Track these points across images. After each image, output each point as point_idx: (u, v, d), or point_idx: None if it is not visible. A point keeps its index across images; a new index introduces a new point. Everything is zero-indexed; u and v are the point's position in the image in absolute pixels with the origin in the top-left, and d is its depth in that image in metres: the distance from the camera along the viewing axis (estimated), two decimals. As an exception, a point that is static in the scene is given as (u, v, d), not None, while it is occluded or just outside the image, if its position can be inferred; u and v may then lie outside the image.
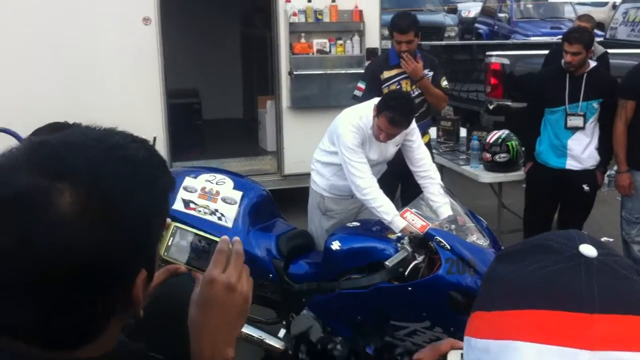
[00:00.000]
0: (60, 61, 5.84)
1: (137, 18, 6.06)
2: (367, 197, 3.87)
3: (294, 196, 6.24)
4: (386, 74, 5.10)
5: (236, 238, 1.20)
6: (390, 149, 4.15)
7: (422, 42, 9.12)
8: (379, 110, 3.88)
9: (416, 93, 5.10)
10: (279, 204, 5.55)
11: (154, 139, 6.06)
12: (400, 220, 3.67)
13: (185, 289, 1.24)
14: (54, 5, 5.80)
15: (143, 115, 6.13)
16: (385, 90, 5.08)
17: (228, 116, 9.00)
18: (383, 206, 3.80)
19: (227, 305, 1.13)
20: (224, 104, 9.04)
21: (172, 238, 1.24)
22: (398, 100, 3.88)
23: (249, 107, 8.65)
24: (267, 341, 3.94)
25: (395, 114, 3.82)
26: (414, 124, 4.15)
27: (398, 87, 5.07)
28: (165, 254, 1.23)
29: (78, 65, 5.90)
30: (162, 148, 6.17)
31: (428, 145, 5.26)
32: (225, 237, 1.19)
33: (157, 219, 0.99)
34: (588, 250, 0.82)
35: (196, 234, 1.24)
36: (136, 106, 6.12)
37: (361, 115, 3.99)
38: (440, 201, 3.96)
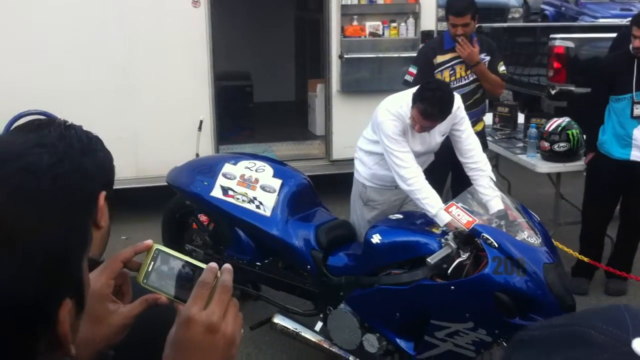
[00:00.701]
0: (109, 46, 5.80)
1: (186, 0, 5.96)
2: (411, 187, 3.66)
3: (341, 182, 6.06)
4: (440, 59, 4.86)
5: (226, 266, 1.02)
6: (436, 138, 3.91)
7: (484, 24, 8.83)
8: (413, 100, 3.65)
9: (471, 79, 4.84)
10: (325, 189, 5.44)
11: (201, 122, 6.00)
12: (445, 214, 3.45)
13: (167, 322, 1.09)
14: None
15: (191, 98, 6.06)
16: (439, 76, 4.85)
17: (280, 99, 8.88)
18: (428, 198, 3.58)
19: (205, 349, 0.96)
20: (277, 86, 8.92)
21: (152, 263, 1.08)
22: (434, 92, 3.61)
23: (301, 91, 8.49)
24: (303, 334, 3.82)
25: (428, 106, 3.58)
26: (462, 113, 3.90)
27: (452, 72, 4.83)
28: (144, 281, 1.07)
29: (126, 48, 5.85)
30: (208, 131, 6.09)
31: (482, 133, 5.01)
32: (212, 265, 1.02)
33: (75, 235, 0.82)
34: None
35: (180, 259, 1.08)
36: (184, 89, 6.04)
37: (402, 103, 3.76)
38: (490, 194, 3.71)
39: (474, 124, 4.92)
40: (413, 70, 4.97)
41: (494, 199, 3.67)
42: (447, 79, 4.82)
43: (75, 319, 0.83)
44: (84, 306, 0.86)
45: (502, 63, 4.99)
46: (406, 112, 3.73)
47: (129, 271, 1.12)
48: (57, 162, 0.83)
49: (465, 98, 4.71)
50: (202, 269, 1.02)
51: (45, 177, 0.79)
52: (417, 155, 3.92)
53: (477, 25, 7.50)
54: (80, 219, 0.82)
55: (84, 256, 0.85)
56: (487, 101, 5.15)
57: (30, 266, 0.73)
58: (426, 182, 3.69)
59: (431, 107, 3.59)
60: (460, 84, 4.84)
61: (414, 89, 3.78)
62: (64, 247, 0.79)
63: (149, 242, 1.10)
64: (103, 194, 1.36)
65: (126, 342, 1.10)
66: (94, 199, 1.34)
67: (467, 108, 4.82)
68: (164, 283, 1.07)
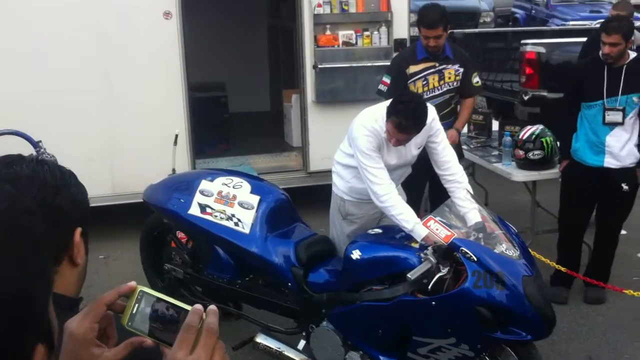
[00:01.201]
0: (82, 60, 5.73)
1: (158, 12, 5.91)
2: (384, 204, 3.66)
3: (319, 193, 6.06)
4: (412, 69, 4.89)
5: (211, 308, 1.01)
6: (412, 151, 3.92)
7: (456, 30, 8.88)
8: (387, 114, 3.65)
9: (444, 89, 4.89)
10: (303, 202, 5.43)
11: (176, 136, 5.95)
12: (422, 228, 3.45)
13: None
14: (75, 2, 5.68)
15: (165, 111, 6.01)
16: (411, 86, 4.87)
17: (255, 109, 8.84)
18: (402, 214, 3.58)
19: None
20: (251, 96, 8.88)
21: (137, 305, 1.06)
22: (407, 105, 3.62)
23: (276, 101, 8.48)
24: (286, 353, 3.79)
25: (402, 119, 3.58)
26: (437, 125, 3.91)
27: (425, 82, 4.85)
28: (129, 323, 1.06)
29: (98, 61, 5.79)
30: (184, 145, 6.04)
31: (458, 142, 5.05)
32: (197, 307, 1.01)
33: (37, 279, 0.81)
34: None
35: (165, 301, 1.07)
36: (158, 102, 6.00)
37: (377, 117, 3.76)
38: (467, 207, 3.73)
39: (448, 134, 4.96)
40: (387, 79, 5.00)
41: (472, 211, 3.69)
42: (420, 89, 4.85)
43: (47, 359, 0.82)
44: (54, 347, 0.85)
45: (475, 74, 5.05)
46: (381, 126, 3.73)
47: (112, 313, 1.11)
48: (11, 205, 0.82)
49: (439, 108, 4.75)
50: (187, 310, 1.01)
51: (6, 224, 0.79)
52: (394, 168, 3.92)
53: (449, 32, 7.57)
54: (42, 263, 0.81)
55: (49, 298, 0.84)
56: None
57: None
58: (399, 197, 3.70)
59: (405, 119, 3.59)
60: (434, 94, 4.88)
61: (388, 102, 3.78)
62: (26, 294, 0.78)
63: (133, 284, 1.09)
64: (79, 230, 1.33)
65: None
66: (68, 236, 1.32)
67: (442, 118, 4.85)
68: (148, 325, 1.06)
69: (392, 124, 3.62)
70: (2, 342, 0.75)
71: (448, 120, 4.88)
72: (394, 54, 5.98)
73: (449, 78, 4.90)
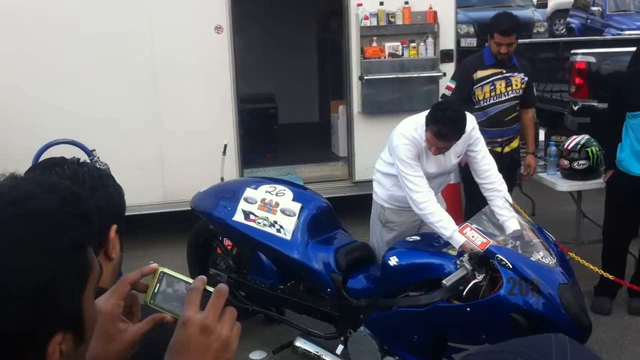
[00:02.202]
0: (135, 72, 5.96)
1: (209, 27, 6.11)
2: (424, 211, 3.72)
3: (364, 203, 6.12)
4: (480, 74, 4.96)
5: (221, 284, 1.12)
6: (451, 160, 3.96)
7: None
8: (426, 123, 3.71)
9: (510, 95, 4.98)
10: (348, 211, 5.51)
11: (225, 146, 6.11)
12: (460, 236, 3.50)
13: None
14: (129, 17, 5.92)
15: (215, 122, 6.20)
16: (478, 91, 4.94)
17: (305, 120, 8.98)
18: (441, 221, 3.63)
19: (200, 349, 1.04)
20: (301, 108, 9.03)
21: (158, 285, 1.18)
22: (444, 112, 3.68)
23: (324, 112, 8.59)
24: (324, 357, 3.87)
25: (441, 126, 3.63)
26: (477, 134, 3.95)
27: (492, 87, 4.93)
28: (152, 301, 1.17)
29: (152, 74, 6.01)
30: (233, 155, 6.19)
31: (517, 149, 5.17)
32: (202, 277, 1.11)
33: (65, 276, 0.90)
34: None
35: (184, 281, 1.18)
36: (209, 113, 6.19)
37: (416, 126, 3.83)
38: (506, 215, 3.75)
39: (511, 140, 5.07)
40: (452, 84, 5.08)
41: (510, 220, 3.71)
42: (487, 94, 4.94)
43: (75, 348, 0.92)
44: (85, 338, 0.95)
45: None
46: (420, 135, 3.79)
47: (137, 292, 1.22)
48: (63, 206, 0.93)
49: (504, 114, 4.84)
50: (207, 288, 1.10)
51: (45, 221, 0.89)
52: (434, 176, 3.98)
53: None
54: (70, 261, 0.91)
55: (83, 289, 0.94)
56: None
57: (8, 300, 0.82)
58: (438, 205, 3.75)
59: (444, 127, 3.65)
60: (500, 99, 4.95)
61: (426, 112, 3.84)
62: (48, 283, 0.87)
63: (155, 265, 1.19)
64: (114, 227, 1.46)
65: (135, 358, 1.20)
66: (104, 232, 1.44)
67: (506, 124, 4.97)
68: (169, 303, 1.15)
69: (432, 132, 3.68)
70: (16, 326, 0.84)
71: (513, 125, 5.03)
72: (460, 61, 5.99)
73: (516, 85, 4.97)
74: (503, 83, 4.93)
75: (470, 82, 4.95)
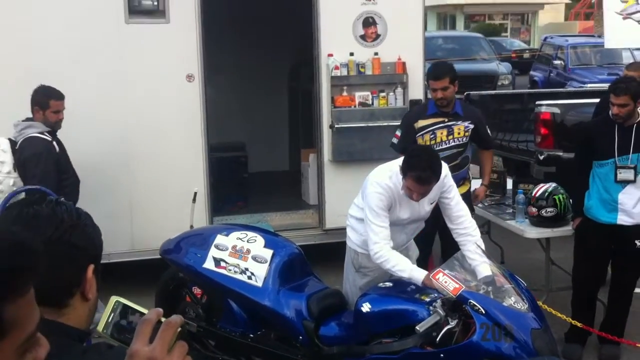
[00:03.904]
0: (105, 117, 5.93)
1: (181, 75, 6.13)
2: (379, 260, 3.78)
3: (335, 251, 6.12)
4: (421, 123, 5.07)
5: (175, 315, 1.10)
6: (425, 207, 3.99)
7: (472, 92, 9.06)
8: (403, 172, 3.75)
9: (451, 144, 5.04)
10: (318, 258, 5.49)
11: (195, 193, 6.08)
12: (419, 271, 3.55)
13: None
14: (101, 64, 5.92)
15: (186, 169, 6.16)
16: (419, 139, 5.01)
17: (275, 169, 8.99)
18: (398, 265, 3.68)
19: None
20: (271, 156, 9.05)
21: (112, 314, 1.16)
22: (419, 158, 3.74)
23: (295, 160, 8.63)
24: (296, 407, 3.79)
25: (420, 172, 3.68)
26: (450, 181, 3.99)
27: (432, 136, 5.01)
28: (104, 331, 1.15)
29: (124, 121, 5.98)
30: (202, 203, 6.16)
31: (467, 195, 5.13)
32: (157, 309, 1.09)
33: None
34: None
35: (138, 311, 1.16)
36: (179, 161, 6.15)
37: (391, 174, 3.86)
38: (477, 260, 3.78)
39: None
40: (398, 133, 5.22)
41: (482, 265, 3.73)
42: (427, 142, 5.03)
43: None
44: None
45: (487, 128, 5.26)
46: (395, 183, 3.82)
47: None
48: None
49: (445, 162, 4.87)
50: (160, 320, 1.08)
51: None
52: (407, 222, 4.00)
53: (466, 93, 7.75)
54: None
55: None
56: (469, 166, 5.30)
57: None
58: (392, 250, 3.77)
59: (423, 171, 3.69)
60: (441, 147, 5.01)
61: (401, 159, 3.88)
62: None
63: (112, 297, 1.18)
64: (91, 267, 1.43)
65: None
66: (81, 272, 1.42)
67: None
68: (121, 334, 1.15)
69: (412, 179, 3.70)
70: None
71: (455, 172, 5.00)
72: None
73: (458, 134, 5.04)
74: (445, 132, 5.02)
75: (413, 131, 5.08)
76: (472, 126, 5.06)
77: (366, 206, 3.85)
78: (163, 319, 1.07)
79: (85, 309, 1.43)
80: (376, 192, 3.82)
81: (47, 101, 5.00)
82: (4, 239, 0.94)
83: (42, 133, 4.96)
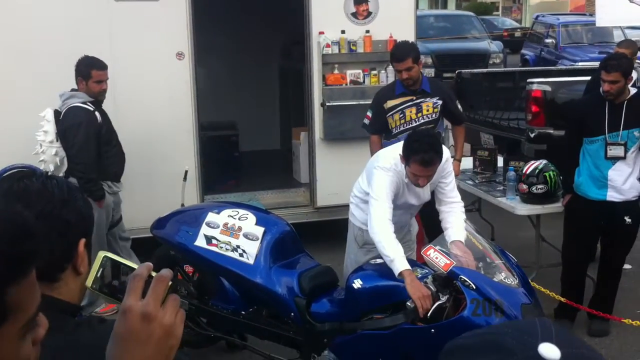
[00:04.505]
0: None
1: (171, 53, 6.09)
2: (375, 237, 3.72)
3: (326, 229, 6.13)
4: (390, 103, 5.11)
5: (165, 269, 1.09)
6: (427, 190, 4.02)
7: (464, 70, 9.06)
8: (406, 157, 3.74)
9: (421, 121, 5.08)
10: (310, 237, 5.50)
11: (186, 172, 6.06)
12: (401, 262, 3.48)
13: None
14: (89, 43, 5.86)
15: (176, 148, 6.14)
16: (390, 119, 5.03)
17: (266, 148, 8.98)
18: (387, 248, 3.60)
19: (142, 337, 1.01)
20: (263, 135, 9.03)
21: (101, 269, 1.15)
22: (420, 142, 3.73)
23: (286, 139, 8.62)
24: (288, 382, 3.82)
25: (423, 154, 3.67)
26: (450, 166, 4.00)
27: (402, 115, 5.06)
28: (93, 286, 1.14)
29: (113, 99, 5.93)
30: (193, 181, 6.14)
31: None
32: (147, 263, 1.09)
33: None
34: (548, 351, 0.69)
35: (127, 266, 1.15)
36: (170, 139, 6.13)
37: (395, 161, 3.87)
38: (452, 224, 3.80)
39: None
40: (369, 114, 5.26)
41: (456, 228, 3.76)
42: (397, 122, 5.07)
43: None
44: None
45: (457, 102, 5.27)
46: (400, 170, 3.82)
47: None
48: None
49: None
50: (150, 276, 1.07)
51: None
52: (412, 207, 4.06)
53: (457, 71, 7.74)
54: None
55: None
56: (442, 142, 5.31)
57: None
58: (389, 233, 3.70)
59: (426, 153, 3.68)
60: (410, 126, 5.05)
61: (399, 146, 3.87)
62: None
63: (100, 251, 1.17)
64: (82, 241, 1.43)
65: None
66: (73, 246, 1.41)
67: None
68: (111, 289, 1.13)
69: (417, 163, 3.70)
70: None
71: None
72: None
73: (427, 110, 5.08)
74: (414, 109, 5.05)
75: (383, 111, 5.11)
76: (440, 102, 5.09)
77: (374, 185, 3.84)
78: (153, 274, 1.07)
79: (77, 283, 1.43)
80: (387, 175, 3.82)
81: (89, 71, 5.02)
82: (8, 220, 0.94)
83: (84, 103, 4.98)
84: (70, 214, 1.42)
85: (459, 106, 5.39)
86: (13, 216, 0.96)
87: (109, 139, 5.17)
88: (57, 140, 4.99)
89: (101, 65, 5.09)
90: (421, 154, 3.67)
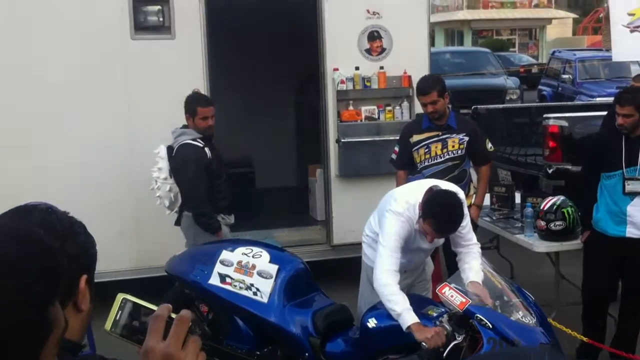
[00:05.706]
0: (112, 136, 5.94)
1: (187, 91, 6.12)
2: (380, 289, 3.63)
3: (342, 266, 6.08)
4: (416, 137, 5.08)
5: (185, 310, 1.08)
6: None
7: (480, 106, 9.04)
8: (424, 214, 3.68)
9: (446, 157, 5.03)
10: (326, 274, 5.44)
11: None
12: (410, 315, 3.40)
13: None
14: (106, 78, 5.94)
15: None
16: (415, 154, 5.00)
17: (282, 184, 8.97)
18: (393, 301, 3.51)
19: None
20: (278, 172, 9.03)
21: (120, 312, 1.12)
22: (443, 208, 3.64)
23: (302, 176, 8.61)
24: None
25: (440, 222, 3.63)
26: (465, 210, 3.89)
27: (427, 150, 5.02)
28: (112, 329, 1.12)
29: (129, 141, 5.99)
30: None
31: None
32: (167, 305, 1.07)
33: (20, 333, 0.89)
34: None
35: (146, 307, 1.13)
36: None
37: (408, 206, 3.79)
38: (470, 263, 3.73)
39: None
40: (397, 148, 5.23)
41: (473, 270, 3.67)
42: (423, 157, 5.03)
43: None
44: None
45: (487, 140, 5.17)
46: (412, 216, 3.76)
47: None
48: (23, 257, 0.89)
49: (439, 175, 4.85)
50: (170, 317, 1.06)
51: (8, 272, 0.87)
52: (425, 250, 4.03)
53: (474, 107, 7.70)
54: (30, 312, 0.87)
55: (40, 347, 0.89)
56: (468, 179, 5.25)
57: None
58: (395, 285, 3.62)
59: (442, 222, 3.65)
60: (435, 161, 5.01)
61: (418, 187, 3.86)
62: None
63: (119, 294, 1.15)
64: (84, 277, 1.39)
65: None
66: (74, 283, 1.38)
67: None
68: (131, 332, 1.11)
69: (430, 226, 3.65)
70: None
71: None
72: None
73: (453, 147, 5.04)
74: (439, 145, 5.01)
75: (409, 145, 5.08)
76: (467, 138, 5.05)
77: (384, 230, 3.78)
78: (173, 315, 1.05)
79: (78, 321, 1.40)
80: (398, 220, 3.74)
81: (194, 108, 5.04)
82: (45, 242, 0.95)
83: (194, 140, 4.99)
84: (72, 248, 1.40)
85: (489, 144, 5.28)
86: (42, 238, 0.97)
87: (219, 173, 5.17)
88: (170, 177, 5.03)
89: (206, 102, 5.12)
90: (438, 221, 3.62)
